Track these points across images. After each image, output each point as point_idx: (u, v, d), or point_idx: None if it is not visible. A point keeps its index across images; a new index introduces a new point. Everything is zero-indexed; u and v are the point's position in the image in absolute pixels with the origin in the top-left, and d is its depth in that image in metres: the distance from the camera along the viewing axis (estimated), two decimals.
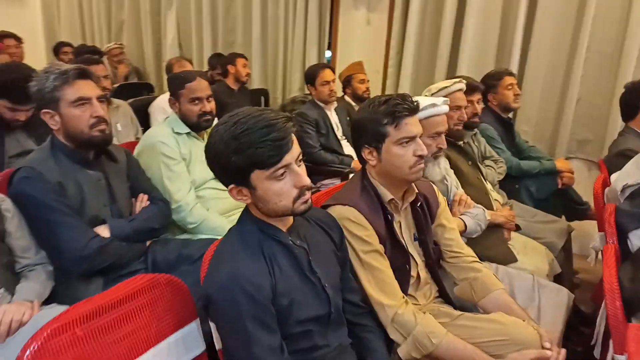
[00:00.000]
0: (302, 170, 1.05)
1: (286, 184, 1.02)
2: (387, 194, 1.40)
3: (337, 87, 3.39)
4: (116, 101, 2.95)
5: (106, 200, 1.64)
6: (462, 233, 1.84)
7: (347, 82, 3.59)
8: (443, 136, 1.82)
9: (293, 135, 1.03)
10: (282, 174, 1.01)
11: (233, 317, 0.98)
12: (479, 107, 2.62)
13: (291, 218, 1.14)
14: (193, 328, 1.13)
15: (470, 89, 2.56)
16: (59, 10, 5.79)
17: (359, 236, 1.32)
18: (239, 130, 0.98)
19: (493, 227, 2.04)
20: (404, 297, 1.33)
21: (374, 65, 4.03)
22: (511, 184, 2.78)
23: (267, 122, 0.98)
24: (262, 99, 4.43)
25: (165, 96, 2.62)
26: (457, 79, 2.25)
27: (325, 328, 1.14)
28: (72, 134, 1.54)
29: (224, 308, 0.99)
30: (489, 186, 2.39)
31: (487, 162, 2.64)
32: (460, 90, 2.22)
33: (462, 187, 2.15)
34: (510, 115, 3.10)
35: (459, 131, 2.28)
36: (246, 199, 1.06)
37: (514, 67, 3.44)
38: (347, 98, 3.55)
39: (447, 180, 2.01)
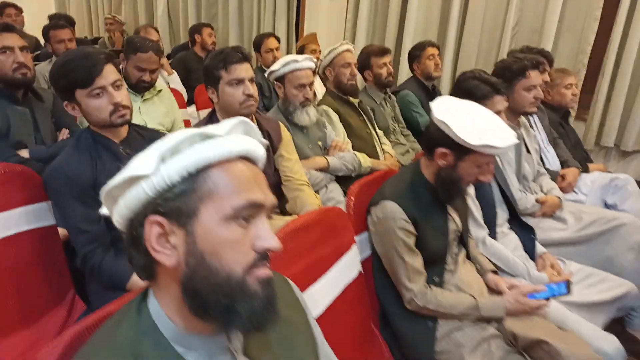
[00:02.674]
0: (120, 93, 1.44)
1: (103, 101, 1.41)
2: None
3: None
4: None
5: (30, 130, 2.08)
6: (326, 169, 2.21)
7: (300, 52, 3.93)
8: (308, 88, 2.17)
9: (110, 65, 1.42)
10: (98, 94, 1.41)
11: (55, 195, 1.40)
12: (391, 68, 2.95)
13: (124, 131, 1.53)
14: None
15: (381, 52, 2.92)
16: None
17: None
18: (65, 60, 1.38)
19: None
20: None
21: (334, 38, 4.34)
22: None
23: (84, 54, 1.38)
24: None
25: None
26: (345, 43, 2.62)
27: None
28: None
29: (50, 189, 1.41)
30: (384, 140, 2.73)
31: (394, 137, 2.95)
32: (347, 50, 2.61)
33: (350, 137, 2.52)
34: (435, 83, 3.39)
35: (353, 86, 2.62)
36: (76, 113, 1.46)
37: (452, 41, 3.72)
38: None
39: (326, 128, 2.38)
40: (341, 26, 4.35)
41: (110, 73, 1.41)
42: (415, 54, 3.28)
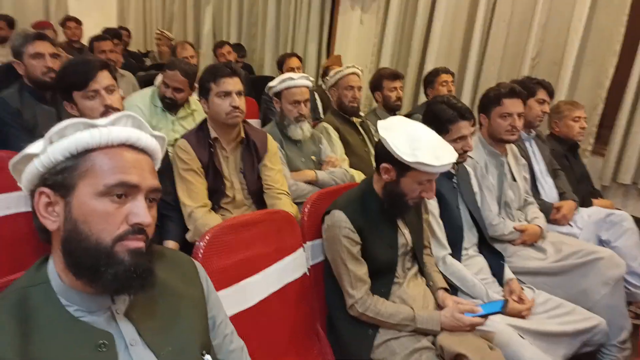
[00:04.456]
0: (111, 97, 1.64)
1: (95, 103, 1.61)
2: (212, 132, 1.95)
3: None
4: (121, 71, 3.74)
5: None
6: (314, 182, 2.32)
7: (325, 72, 4.11)
8: (303, 105, 2.30)
9: (105, 71, 1.62)
10: (92, 96, 1.61)
11: None
12: (401, 92, 3.06)
13: None
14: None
15: (393, 76, 3.04)
16: (129, 3, 6.88)
17: (181, 158, 1.88)
18: (66, 65, 1.61)
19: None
20: (205, 204, 1.87)
21: (362, 60, 4.49)
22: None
23: (83, 61, 1.60)
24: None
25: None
26: (351, 66, 2.74)
27: None
28: (31, 78, 2.26)
29: None
30: None
31: None
32: (353, 74, 2.72)
33: (348, 155, 2.63)
34: None
35: (353, 107, 2.74)
36: (75, 112, 1.66)
37: (472, 68, 3.77)
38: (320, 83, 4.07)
39: (321, 144, 2.50)
40: (368, 50, 4.49)
41: (104, 78, 1.62)
42: (429, 80, 3.36)
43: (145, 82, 3.88)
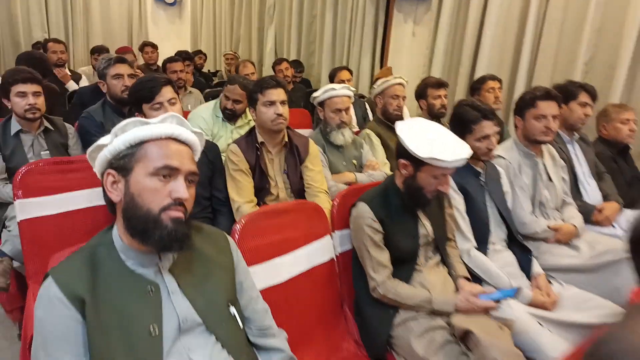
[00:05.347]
0: (174, 108, 1.94)
1: (160, 113, 1.92)
2: (259, 137, 2.20)
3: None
4: (190, 89, 4.16)
5: None
6: (354, 184, 2.51)
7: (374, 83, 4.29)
8: (344, 112, 2.51)
9: (168, 87, 1.93)
10: (157, 107, 1.91)
11: None
12: (445, 100, 3.17)
13: None
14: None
15: (438, 84, 3.17)
16: (201, 28, 7.50)
17: (232, 160, 2.15)
18: (137, 82, 1.93)
19: None
20: (251, 200, 2.11)
21: (414, 72, 4.62)
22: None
23: (150, 78, 1.92)
24: None
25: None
26: (398, 77, 2.91)
27: None
28: (112, 96, 2.66)
29: None
30: None
31: None
32: (399, 84, 2.89)
33: (389, 159, 2.79)
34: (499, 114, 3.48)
35: (397, 116, 2.90)
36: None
37: (523, 75, 3.78)
38: (369, 95, 4.26)
39: (362, 149, 2.69)
40: (420, 61, 4.61)
41: (167, 92, 1.92)
42: (476, 87, 3.43)
43: (212, 98, 4.27)
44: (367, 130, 2.85)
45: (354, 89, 3.78)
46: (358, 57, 5.09)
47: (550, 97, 2.13)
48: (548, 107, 2.12)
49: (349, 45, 5.24)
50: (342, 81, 3.91)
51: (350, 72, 4.04)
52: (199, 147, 1.13)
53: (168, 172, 1.02)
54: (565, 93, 2.51)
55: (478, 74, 3.99)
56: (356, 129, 3.76)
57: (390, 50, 4.94)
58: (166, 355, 0.99)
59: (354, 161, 2.65)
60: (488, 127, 1.88)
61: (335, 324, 1.69)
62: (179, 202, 1.02)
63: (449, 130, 1.62)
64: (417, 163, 1.57)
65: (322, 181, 2.28)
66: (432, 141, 1.52)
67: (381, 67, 5.05)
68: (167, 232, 1.00)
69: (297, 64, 5.36)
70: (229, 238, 1.24)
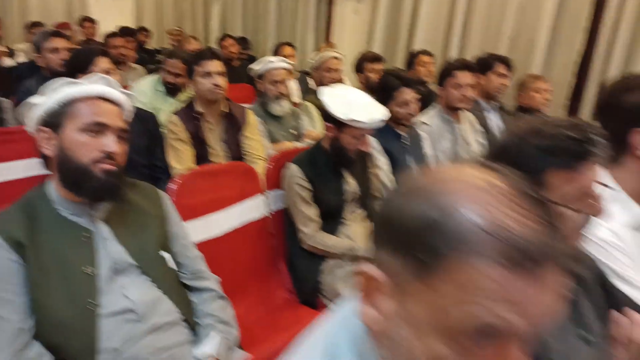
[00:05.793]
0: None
1: None
2: (198, 108, 2.29)
3: None
4: (133, 65, 4.14)
5: None
6: None
7: None
8: (281, 84, 2.63)
9: (103, 58, 1.99)
10: None
11: None
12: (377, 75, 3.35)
13: None
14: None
15: (374, 58, 3.34)
16: (144, 4, 7.32)
17: (171, 130, 2.23)
18: (72, 54, 1.97)
19: None
20: (190, 168, 2.21)
21: (357, 48, 4.77)
22: None
23: (84, 49, 1.96)
24: None
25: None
26: (332, 51, 3.06)
27: None
28: (50, 69, 2.65)
29: None
30: None
31: None
32: (333, 58, 3.03)
33: None
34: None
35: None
36: None
37: (454, 50, 4.03)
38: None
39: (301, 120, 2.82)
40: (362, 38, 4.78)
41: (102, 62, 1.99)
42: (410, 62, 3.64)
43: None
44: (307, 103, 2.98)
45: (294, 63, 3.91)
46: (303, 34, 5.19)
47: (466, 67, 2.34)
48: (464, 77, 2.33)
49: (293, 22, 5.33)
50: (285, 56, 3.99)
51: (294, 47, 4.13)
52: (128, 107, 1.23)
53: (98, 129, 1.12)
54: (484, 64, 2.74)
55: (415, 49, 4.21)
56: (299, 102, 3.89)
57: (334, 26, 5.07)
58: (101, 293, 1.11)
59: (293, 131, 2.78)
60: (407, 94, 2.06)
61: (268, 275, 1.84)
62: (109, 156, 1.12)
63: (364, 93, 1.78)
64: (340, 125, 1.72)
65: (259, 149, 2.41)
66: (351, 105, 1.68)
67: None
68: (99, 183, 1.10)
69: (243, 41, 5.40)
70: (160, 192, 1.36)
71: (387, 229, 0.50)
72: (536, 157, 0.83)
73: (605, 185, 0.99)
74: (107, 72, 1.98)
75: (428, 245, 0.44)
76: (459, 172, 0.48)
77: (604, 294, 1.06)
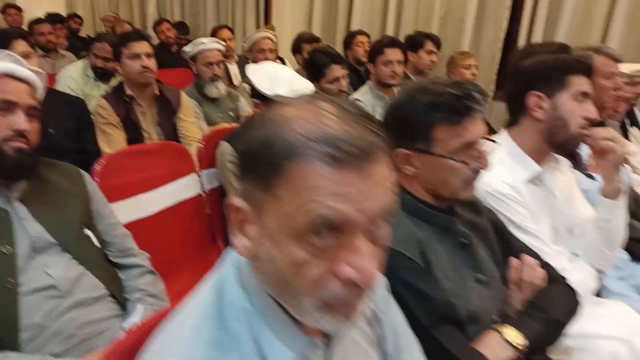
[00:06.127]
0: (30, 62, 1.93)
1: None
2: (128, 91, 2.25)
3: None
4: (63, 52, 3.98)
5: None
6: None
7: None
8: (215, 66, 2.62)
9: (21, 41, 1.91)
10: None
11: None
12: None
13: None
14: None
15: (311, 39, 3.37)
16: None
17: (101, 114, 2.19)
18: None
19: None
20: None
21: (298, 30, 4.78)
22: None
23: (1, 32, 1.88)
24: None
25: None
26: (264, 31, 3.07)
27: None
28: None
29: None
30: None
31: None
32: (266, 38, 3.04)
33: None
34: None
35: None
36: None
37: (391, 29, 4.11)
38: None
39: (239, 101, 2.83)
40: (302, 18, 4.79)
41: (19, 46, 1.92)
42: (347, 42, 3.71)
43: None
44: (244, 84, 2.99)
45: (233, 47, 3.89)
46: (242, 17, 5.14)
47: (394, 44, 2.43)
48: (393, 54, 2.42)
49: (233, 5, 5.26)
50: (224, 40, 3.95)
51: (232, 30, 4.10)
52: (39, 85, 1.21)
53: (6, 106, 1.10)
54: (414, 43, 2.84)
55: (354, 29, 4.28)
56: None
57: (273, 9, 5.05)
58: (22, 271, 1.10)
59: (231, 113, 2.79)
60: (337, 70, 2.12)
61: (205, 253, 1.86)
62: (20, 134, 1.11)
63: (289, 69, 1.82)
64: (266, 101, 1.75)
65: (195, 131, 2.41)
66: (276, 81, 1.71)
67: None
68: (10, 162, 1.09)
69: (181, 26, 5.27)
70: (83, 172, 1.35)
71: (243, 160, 0.57)
72: (423, 112, 0.91)
73: (493, 141, 1.09)
74: (25, 56, 1.92)
75: (267, 160, 0.51)
76: (296, 103, 0.56)
77: (502, 242, 1.17)
